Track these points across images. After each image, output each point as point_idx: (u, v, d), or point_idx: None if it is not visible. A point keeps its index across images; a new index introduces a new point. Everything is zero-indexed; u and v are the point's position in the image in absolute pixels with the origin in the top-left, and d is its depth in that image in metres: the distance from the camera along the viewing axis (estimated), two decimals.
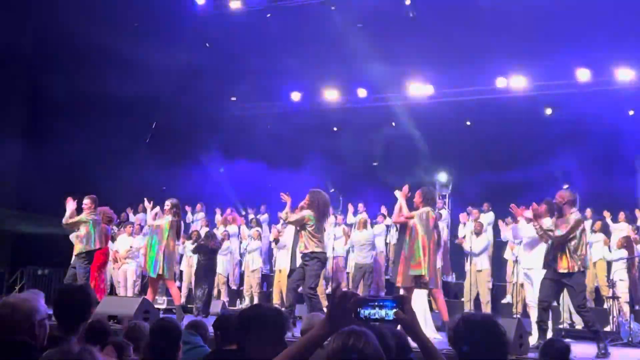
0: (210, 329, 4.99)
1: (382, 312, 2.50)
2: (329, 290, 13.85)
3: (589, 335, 8.04)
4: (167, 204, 10.25)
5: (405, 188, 8.80)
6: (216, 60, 16.38)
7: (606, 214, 12.42)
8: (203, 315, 12.36)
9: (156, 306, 10.57)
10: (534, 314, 8.74)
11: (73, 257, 10.39)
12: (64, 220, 10.21)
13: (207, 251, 12.53)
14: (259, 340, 2.95)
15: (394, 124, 17.37)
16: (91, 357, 2.40)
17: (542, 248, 8.41)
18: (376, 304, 2.48)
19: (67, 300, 3.60)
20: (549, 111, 15.82)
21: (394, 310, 2.51)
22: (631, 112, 15.15)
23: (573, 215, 7.81)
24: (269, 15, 15.79)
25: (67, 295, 3.71)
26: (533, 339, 8.08)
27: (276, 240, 13.46)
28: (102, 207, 10.68)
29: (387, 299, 2.50)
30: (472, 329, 2.90)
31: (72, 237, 10.82)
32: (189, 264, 14.33)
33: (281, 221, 12.06)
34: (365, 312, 2.50)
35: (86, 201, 10.28)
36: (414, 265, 8.36)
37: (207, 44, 16.13)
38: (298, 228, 9.21)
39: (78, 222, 10.15)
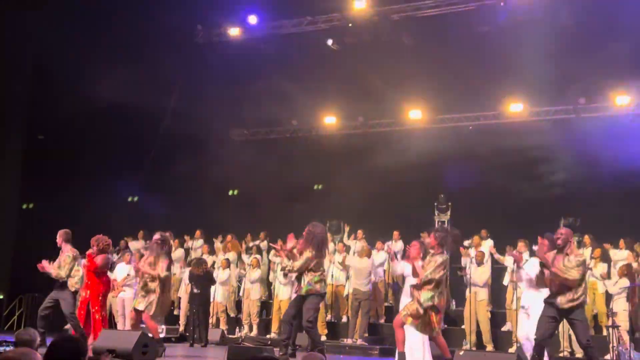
0: None
1: None
2: (329, 317, 13.83)
3: None
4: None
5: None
6: (215, 86, 16.49)
7: (607, 246, 12.41)
8: (202, 344, 12.33)
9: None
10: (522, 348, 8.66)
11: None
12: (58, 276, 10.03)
13: (200, 280, 12.53)
14: None
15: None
16: None
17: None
18: None
19: (58, 353, 3.56)
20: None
21: None
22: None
23: (575, 257, 7.71)
24: (263, 45, 15.98)
25: (58, 347, 3.67)
26: None
27: (285, 274, 13.21)
28: (97, 236, 10.53)
29: None
30: None
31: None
32: (187, 291, 14.30)
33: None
34: None
35: (58, 239, 10.17)
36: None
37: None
38: None
39: (69, 269, 10.02)
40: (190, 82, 16.41)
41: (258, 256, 14.26)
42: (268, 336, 13.38)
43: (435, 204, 15.85)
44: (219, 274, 13.95)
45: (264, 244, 14.97)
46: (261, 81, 16.14)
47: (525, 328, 8.79)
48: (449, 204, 15.57)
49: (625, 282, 11.18)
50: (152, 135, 16.91)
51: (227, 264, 14.08)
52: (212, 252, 15.15)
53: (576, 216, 13.63)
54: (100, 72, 14.47)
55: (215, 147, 17.28)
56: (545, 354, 8.87)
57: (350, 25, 16.06)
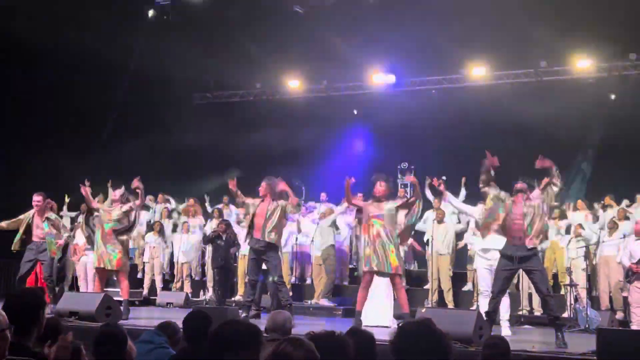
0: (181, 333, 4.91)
1: None
2: (293, 279, 13.88)
3: (548, 322, 8.17)
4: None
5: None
6: (176, 48, 16.16)
7: (566, 205, 12.66)
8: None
9: (116, 298, 10.40)
10: (484, 303, 8.80)
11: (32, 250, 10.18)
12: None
13: (224, 245, 12.31)
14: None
15: (355, 111, 17.44)
16: None
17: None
18: None
19: (17, 305, 3.52)
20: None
21: None
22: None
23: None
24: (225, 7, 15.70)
25: (17, 299, 3.62)
26: None
27: None
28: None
29: None
30: (409, 338, 2.91)
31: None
32: (152, 255, 14.23)
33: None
34: None
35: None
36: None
37: None
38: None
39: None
40: (150, 44, 16.04)
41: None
42: (233, 299, 13.39)
43: (399, 167, 15.94)
44: (182, 238, 13.88)
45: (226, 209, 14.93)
46: (224, 44, 15.88)
47: (488, 280, 8.97)
48: (412, 167, 15.66)
49: (582, 242, 11.45)
50: (112, 98, 16.57)
51: (188, 227, 13.99)
52: (170, 216, 15.08)
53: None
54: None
55: (176, 111, 17.04)
56: (508, 310, 9.09)
57: None
